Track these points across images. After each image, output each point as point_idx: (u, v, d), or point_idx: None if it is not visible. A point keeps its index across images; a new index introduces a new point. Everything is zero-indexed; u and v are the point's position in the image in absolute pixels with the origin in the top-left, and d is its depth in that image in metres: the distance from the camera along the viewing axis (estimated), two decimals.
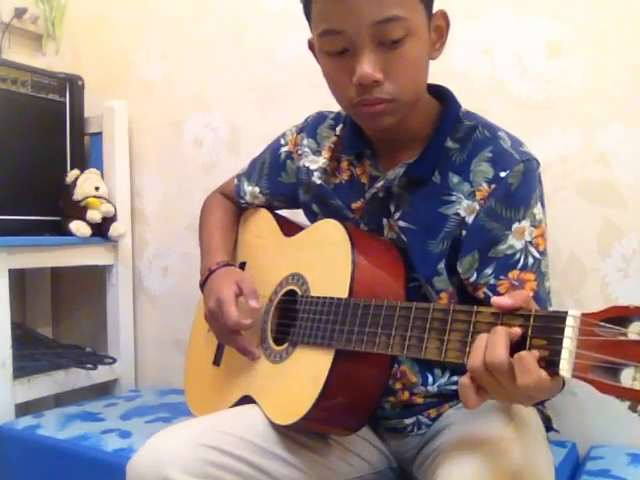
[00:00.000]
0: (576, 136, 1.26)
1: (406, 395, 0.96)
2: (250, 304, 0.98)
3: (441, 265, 0.92)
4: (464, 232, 0.90)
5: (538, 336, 0.62)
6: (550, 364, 0.61)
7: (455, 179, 0.91)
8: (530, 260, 0.87)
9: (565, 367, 0.59)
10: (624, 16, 1.22)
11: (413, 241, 0.93)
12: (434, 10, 0.88)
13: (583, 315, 0.60)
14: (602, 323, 0.58)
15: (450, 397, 0.96)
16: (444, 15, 0.91)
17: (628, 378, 0.56)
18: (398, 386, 0.96)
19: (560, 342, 0.60)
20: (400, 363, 0.95)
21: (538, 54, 1.29)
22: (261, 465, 0.85)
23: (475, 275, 0.89)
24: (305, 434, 0.92)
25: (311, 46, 0.95)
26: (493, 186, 0.88)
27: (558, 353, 0.60)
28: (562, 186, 1.27)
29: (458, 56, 1.32)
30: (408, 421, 0.98)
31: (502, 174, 0.87)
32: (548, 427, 0.99)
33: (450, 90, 0.97)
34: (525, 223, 0.87)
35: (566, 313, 0.60)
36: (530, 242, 0.88)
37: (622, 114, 1.22)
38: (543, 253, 0.89)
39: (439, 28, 0.90)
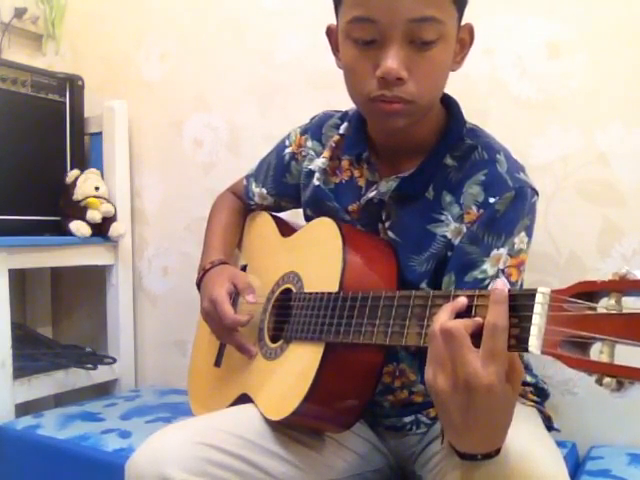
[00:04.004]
0: (576, 136, 1.26)
1: (405, 393, 0.96)
2: (248, 299, 0.99)
3: (423, 284, 0.91)
4: (449, 253, 0.89)
5: (510, 315, 0.62)
6: (520, 341, 0.61)
7: (448, 198, 0.90)
8: None
9: (534, 343, 0.59)
10: (624, 16, 1.22)
11: (398, 254, 0.92)
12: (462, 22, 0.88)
13: (553, 292, 0.60)
14: (571, 299, 0.58)
15: None
16: (470, 30, 0.90)
17: (596, 352, 0.56)
18: (397, 384, 0.96)
19: (529, 319, 0.60)
20: (399, 361, 0.95)
21: (538, 54, 1.29)
22: (258, 463, 0.85)
23: None
24: (301, 431, 0.92)
25: (329, 33, 0.93)
26: (481, 211, 0.87)
27: (528, 330, 0.59)
28: (562, 186, 1.27)
29: None
30: (407, 419, 0.98)
31: (491, 200, 0.86)
32: (549, 427, 0.99)
33: (458, 103, 0.96)
34: (502, 251, 0.86)
35: (536, 290, 0.60)
36: (502, 270, 0.86)
37: (622, 114, 1.22)
38: (514, 285, 0.86)
39: (463, 41, 0.89)
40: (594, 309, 0.56)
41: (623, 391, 0.54)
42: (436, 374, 0.65)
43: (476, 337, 0.63)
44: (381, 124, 0.92)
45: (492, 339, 0.61)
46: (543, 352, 0.58)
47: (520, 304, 0.61)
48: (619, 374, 0.54)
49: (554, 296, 0.59)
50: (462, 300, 0.66)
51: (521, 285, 0.89)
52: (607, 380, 0.54)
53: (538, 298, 0.60)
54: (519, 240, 0.87)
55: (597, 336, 0.55)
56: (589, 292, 0.58)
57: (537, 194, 0.90)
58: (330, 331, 0.84)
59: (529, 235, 0.88)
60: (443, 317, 0.65)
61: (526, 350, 0.59)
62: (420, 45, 0.81)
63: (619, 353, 0.55)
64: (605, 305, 0.56)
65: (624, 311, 0.55)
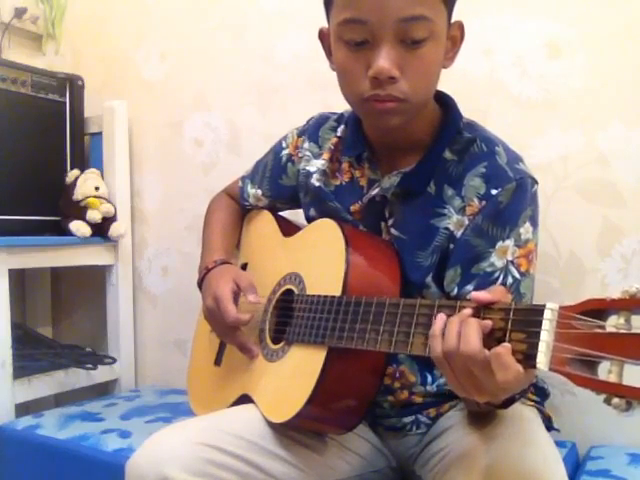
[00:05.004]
0: (576, 136, 1.26)
1: (405, 394, 0.96)
2: (249, 299, 0.99)
3: (429, 279, 0.92)
4: (451, 245, 0.90)
5: (517, 330, 0.62)
6: (528, 357, 0.60)
7: (449, 192, 0.90)
8: (509, 280, 0.86)
9: (542, 360, 0.58)
10: (624, 16, 1.22)
11: (403, 251, 0.93)
12: (453, 20, 0.88)
13: (561, 308, 0.59)
14: (580, 316, 0.57)
15: (449, 397, 0.96)
16: (461, 27, 0.90)
17: (604, 371, 0.56)
18: (397, 385, 0.96)
19: (538, 335, 0.59)
20: (399, 363, 0.95)
21: (538, 54, 1.29)
22: (259, 464, 0.85)
23: (456, 290, 0.89)
24: (303, 432, 0.92)
25: (322, 36, 0.94)
26: (483, 203, 0.87)
27: (536, 346, 0.59)
28: (562, 186, 1.27)
29: (458, 56, 1.32)
30: (407, 420, 0.98)
31: (493, 191, 0.87)
32: (549, 427, 0.99)
33: (453, 99, 0.96)
34: (509, 242, 0.86)
35: (544, 306, 0.60)
36: (511, 262, 0.86)
37: (622, 114, 1.22)
38: (524, 274, 0.87)
39: (454, 38, 0.90)
40: (603, 327, 0.56)
41: (632, 411, 0.53)
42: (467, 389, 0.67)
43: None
44: (376, 123, 0.92)
45: (498, 366, 0.62)
46: (551, 369, 0.58)
47: (528, 319, 0.61)
48: (628, 395, 0.53)
49: (562, 312, 0.59)
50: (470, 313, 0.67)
51: (527, 273, 0.89)
52: (616, 400, 0.54)
53: (546, 314, 0.59)
54: (524, 230, 0.87)
55: (606, 355, 0.55)
56: (598, 309, 0.57)
57: (537, 183, 0.90)
58: (333, 335, 0.84)
59: (534, 225, 0.89)
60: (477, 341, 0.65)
61: (534, 366, 0.59)
62: (411, 44, 0.82)
63: (628, 372, 0.54)
64: (614, 324, 0.55)
65: (633, 331, 0.55)
